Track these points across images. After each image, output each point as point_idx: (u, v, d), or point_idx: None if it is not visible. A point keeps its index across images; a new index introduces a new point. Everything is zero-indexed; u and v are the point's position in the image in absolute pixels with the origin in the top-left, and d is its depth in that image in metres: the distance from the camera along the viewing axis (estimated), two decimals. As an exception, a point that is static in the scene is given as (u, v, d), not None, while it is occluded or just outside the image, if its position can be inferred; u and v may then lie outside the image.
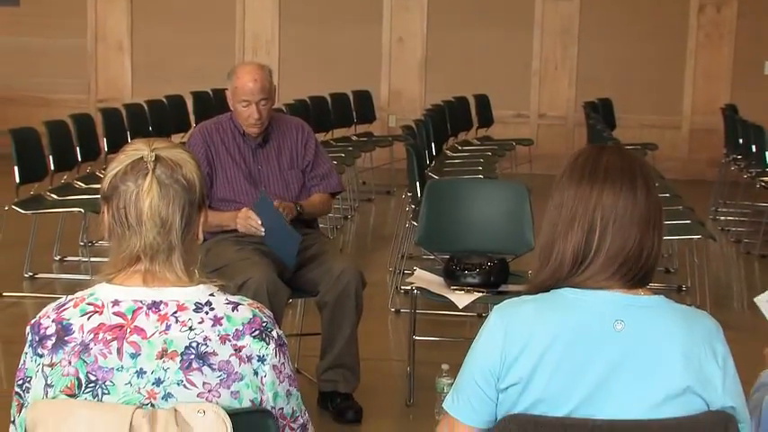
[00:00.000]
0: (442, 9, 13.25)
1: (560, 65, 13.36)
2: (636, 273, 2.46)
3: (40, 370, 2.45)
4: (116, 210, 2.47)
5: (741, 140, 10.56)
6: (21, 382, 2.49)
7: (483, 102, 12.30)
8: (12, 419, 2.54)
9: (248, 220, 5.04)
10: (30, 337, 2.47)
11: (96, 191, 7.86)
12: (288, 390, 2.52)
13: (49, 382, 2.44)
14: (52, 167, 8.02)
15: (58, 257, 8.25)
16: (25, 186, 7.68)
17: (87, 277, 6.55)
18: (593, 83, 12.90)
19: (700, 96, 13.19)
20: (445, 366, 4.63)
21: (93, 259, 7.65)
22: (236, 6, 13.53)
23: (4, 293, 7.28)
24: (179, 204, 2.46)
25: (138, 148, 2.49)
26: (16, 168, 7.54)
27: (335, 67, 12.96)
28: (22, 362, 2.48)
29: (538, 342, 2.41)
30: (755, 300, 3.36)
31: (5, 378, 5.70)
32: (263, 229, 5.04)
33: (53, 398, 2.43)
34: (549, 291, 2.49)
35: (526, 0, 13.22)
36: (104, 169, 8.41)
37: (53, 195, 7.94)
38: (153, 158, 2.46)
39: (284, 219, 5.06)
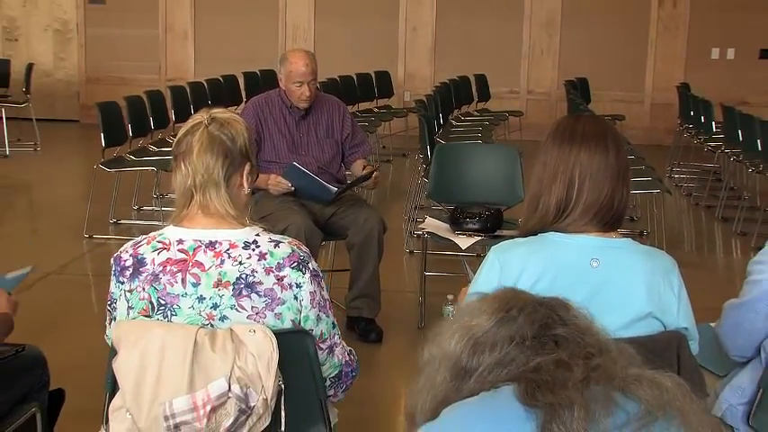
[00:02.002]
0: (448, 3, 13.17)
1: (545, 50, 13.27)
2: (608, 219, 2.45)
3: (122, 294, 2.49)
4: (179, 156, 2.51)
5: (692, 113, 10.55)
6: (109, 302, 2.55)
7: (482, 80, 12.23)
8: (106, 331, 2.60)
9: (278, 185, 5.07)
10: (113, 268, 2.52)
11: (166, 153, 7.94)
12: (318, 315, 2.52)
13: (130, 304, 2.48)
14: (130, 134, 8.06)
15: (135, 207, 8.28)
16: (109, 149, 7.72)
17: (159, 223, 6.56)
18: (572, 65, 12.82)
19: (659, 76, 13.10)
20: (450, 296, 4.62)
21: (163, 209, 7.68)
22: (278, 2, 13.46)
23: (94, 236, 7.33)
24: (222, 150, 2.49)
25: (200, 116, 2.55)
26: (102, 135, 7.59)
27: (360, 51, 12.90)
28: (110, 288, 2.54)
29: (528, 276, 2.41)
30: None
31: (96, 303, 5.73)
32: (293, 188, 5.07)
33: (133, 318, 2.47)
34: (536, 235, 2.48)
35: (517, -3, 13.17)
36: (173, 135, 8.53)
37: (131, 157, 7.97)
38: (209, 119, 2.51)
39: (316, 179, 5.10)
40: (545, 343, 1.52)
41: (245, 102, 8.67)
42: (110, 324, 2.56)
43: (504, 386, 1.50)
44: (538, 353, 1.50)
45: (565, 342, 1.53)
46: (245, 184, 2.57)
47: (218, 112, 2.56)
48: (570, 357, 1.50)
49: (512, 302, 1.57)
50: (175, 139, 2.57)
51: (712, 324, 2.91)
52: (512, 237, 2.62)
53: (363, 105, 11.72)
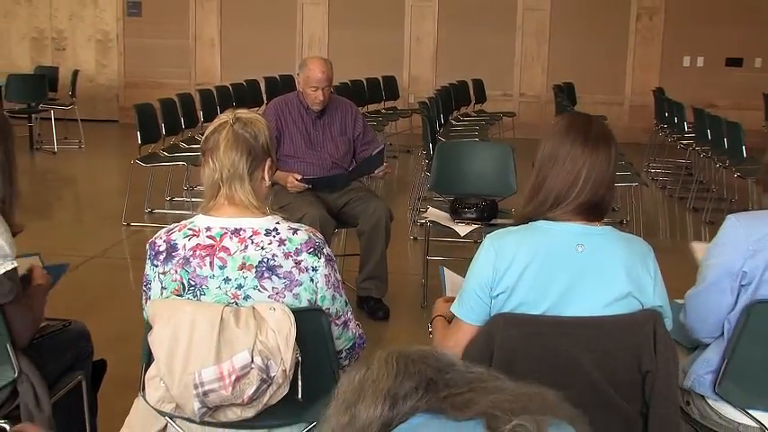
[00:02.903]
0: (448, 16, 13.14)
1: (535, 57, 13.25)
2: (596, 213, 2.44)
3: (156, 276, 2.49)
4: (207, 152, 2.51)
5: (666, 114, 10.54)
6: (145, 283, 2.54)
7: (479, 84, 12.21)
8: (143, 308, 2.59)
9: (295, 187, 5.06)
10: (148, 252, 2.52)
11: (195, 150, 7.95)
12: (333, 294, 2.52)
13: (163, 285, 2.48)
14: (164, 132, 8.07)
15: (168, 198, 8.28)
16: (145, 146, 7.73)
17: (189, 212, 6.57)
18: (559, 71, 12.80)
19: (637, 81, 13.10)
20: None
21: (193, 199, 7.70)
22: (296, 14, 13.45)
23: (131, 224, 7.34)
24: (245, 147, 2.48)
25: (226, 116, 2.55)
26: (138, 133, 7.59)
27: (369, 58, 12.88)
28: (145, 270, 2.53)
29: (520, 260, 2.39)
30: (691, 244, 3.26)
31: (133, 284, 5.75)
32: (307, 186, 5.07)
33: (166, 297, 2.46)
34: (528, 222, 2.47)
35: (510, 10, 13.09)
36: (201, 134, 8.54)
37: (164, 153, 7.99)
38: (234, 119, 2.51)
39: (327, 177, 5.10)
40: (444, 384, 1.52)
41: (266, 103, 8.67)
42: (146, 303, 2.56)
43: (420, 419, 1.50)
44: (443, 389, 1.51)
45: (454, 382, 1.53)
46: (267, 178, 2.57)
47: (242, 113, 2.56)
48: (476, 388, 1.51)
49: (403, 360, 1.58)
50: (203, 137, 2.56)
51: (679, 301, 2.91)
52: (506, 225, 2.60)
53: (372, 107, 11.71)
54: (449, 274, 3.04)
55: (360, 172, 5.30)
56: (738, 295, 2.70)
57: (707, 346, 2.82)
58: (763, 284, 2.66)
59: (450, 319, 2.61)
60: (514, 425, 1.39)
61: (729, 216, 2.76)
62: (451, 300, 2.61)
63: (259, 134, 2.52)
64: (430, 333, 2.75)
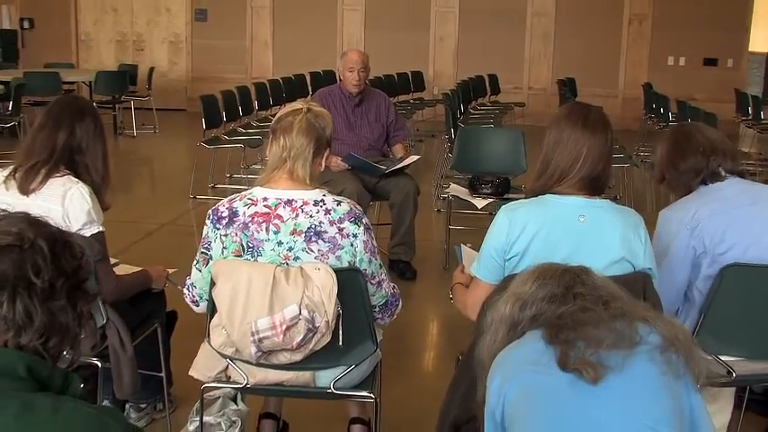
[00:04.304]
0: (468, 19, 13.02)
1: (542, 56, 13.11)
2: (596, 188, 2.43)
3: (218, 237, 2.48)
4: (279, 131, 2.50)
5: (654, 105, 10.44)
6: (206, 244, 2.53)
7: (493, 79, 12.09)
8: (195, 266, 2.58)
9: (338, 167, 5.05)
10: (211, 217, 2.52)
11: (251, 134, 7.99)
12: (370, 258, 2.52)
13: (224, 245, 2.48)
14: (224, 119, 8.07)
15: (228, 175, 8.28)
16: (208, 131, 7.74)
17: (246, 187, 6.59)
18: (563, 67, 12.67)
19: (629, 77, 12.96)
20: (468, 244, 4.60)
21: (249, 176, 7.73)
22: (337, 18, 13.37)
23: (197, 196, 7.36)
24: (315, 135, 2.49)
25: (299, 104, 2.56)
26: (203, 120, 7.61)
27: (400, 56, 12.79)
28: (204, 233, 2.53)
29: (530, 229, 2.38)
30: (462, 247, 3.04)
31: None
32: (347, 167, 5.06)
33: (226, 257, 2.46)
34: (537, 196, 2.45)
35: (521, 15, 12.94)
36: (257, 120, 8.59)
37: (225, 136, 8.00)
38: (307, 109, 2.51)
39: (368, 162, 5.05)
40: (567, 298, 1.54)
41: (311, 94, 8.66)
42: (205, 264, 2.54)
43: (531, 332, 1.53)
44: (561, 305, 1.52)
45: (581, 296, 1.54)
46: (323, 164, 2.57)
47: (313, 106, 2.56)
48: (590, 304, 1.51)
49: (546, 272, 1.61)
50: (276, 117, 2.56)
51: None
52: (517, 198, 2.59)
53: (402, 97, 11.63)
54: (465, 250, 3.03)
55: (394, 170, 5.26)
56: (701, 266, 2.71)
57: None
58: (718, 245, 2.68)
59: (467, 284, 2.61)
60: (574, 368, 1.43)
61: (661, 212, 2.79)
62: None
63: (327, 127, 2.53)
64: (451, 298, 2.75)
